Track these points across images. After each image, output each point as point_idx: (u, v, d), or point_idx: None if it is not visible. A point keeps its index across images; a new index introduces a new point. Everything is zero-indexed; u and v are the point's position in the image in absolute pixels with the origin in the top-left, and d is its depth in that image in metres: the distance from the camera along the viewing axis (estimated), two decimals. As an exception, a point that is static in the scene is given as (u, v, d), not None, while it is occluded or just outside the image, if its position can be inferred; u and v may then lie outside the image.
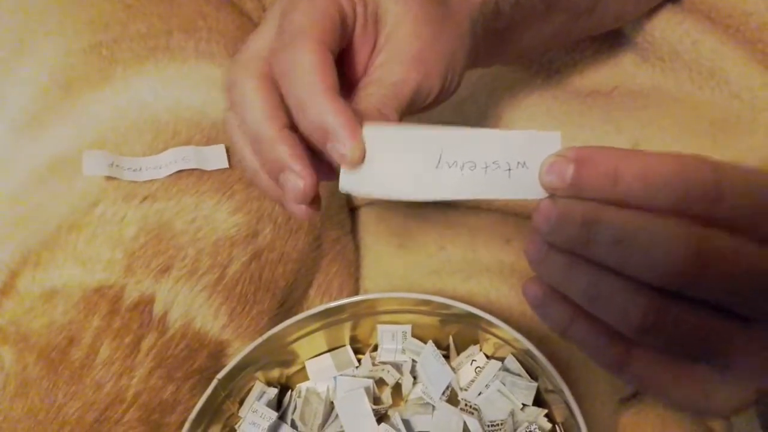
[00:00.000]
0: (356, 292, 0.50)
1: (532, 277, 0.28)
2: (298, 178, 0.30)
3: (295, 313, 0.42)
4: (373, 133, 0.29)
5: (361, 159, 0.29)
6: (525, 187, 0.28)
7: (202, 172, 0.45)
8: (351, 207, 0.55)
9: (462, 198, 0.29)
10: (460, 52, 0.35)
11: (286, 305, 0.45)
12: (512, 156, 0.28)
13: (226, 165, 0.46)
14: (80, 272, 0.40)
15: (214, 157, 0.46)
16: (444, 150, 0.29)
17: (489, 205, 0.50)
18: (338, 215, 0.51)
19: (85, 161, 0.43)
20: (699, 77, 0.48)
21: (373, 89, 0.32)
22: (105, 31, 0.51)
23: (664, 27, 0.49)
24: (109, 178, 0.44)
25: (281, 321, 0.41)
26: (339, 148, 0.29)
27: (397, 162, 0.29)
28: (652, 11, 0.50)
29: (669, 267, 0.24)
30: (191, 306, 0.41)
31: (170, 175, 0.44)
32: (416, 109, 0.34)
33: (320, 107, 0.29)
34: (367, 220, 0.54)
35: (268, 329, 0.41)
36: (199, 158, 0.45)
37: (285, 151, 0.31)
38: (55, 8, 0.51)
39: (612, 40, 0.53)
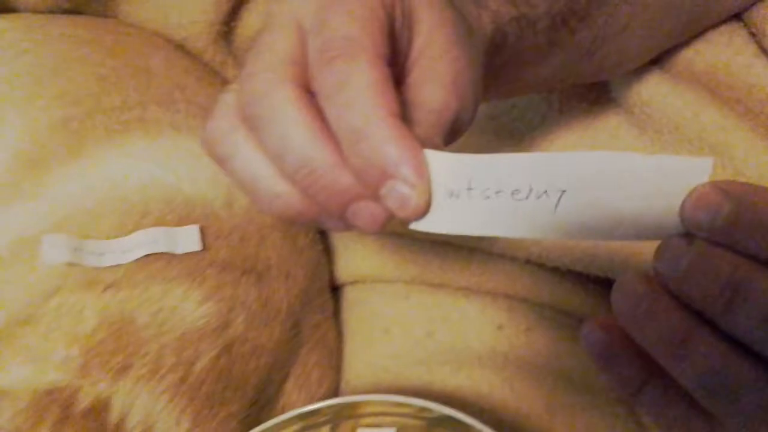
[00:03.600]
0: (337, 384, 0.47)
1: (593, 318, 0.23)
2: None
3: (269, 411, 0.39)
4: (439, 164, 0.25)
5: (428, 205, 0.25)
6: (649, 225, 0.22)
7: (171, 255, 0.42)
8: (334, 286, 0.52)
9: (561, 237, 0.24)
10: (480, 81, 0.30)
11: (259, 403, 0.41)
12: (640, 187, 0.22)
13: (198, 248, 0.43)
14: (31, 372, 0.37)
15: (186, 240, 0.43)
16: (537, 179, 0.24)
17: (479, 286, 0.47)
18: (319, 298, 0.48)
19: (44, 247, 0.41)
20: (702, 153, 0.46)
21: (418, 115, 0.27)
22: (76, 104, 0.48)
23: (663, 99, 0.47)
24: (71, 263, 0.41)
25: (252, 424, 0.38)
26: (401, 189, 0.24)
27: (472, 197, 0.25)
28: (649, 81, 0.47)
29: None
30: (152, 410, 0.37)
31: (137, 259, 0.42)
32: (450, 139, 0.29)
33: (381, 137, 0.24)
34: (351, 300, 0.51)
35: (237, 433, 0.37)
36: (169, 241, 0.43)
37: (348, 181, 0.25)
38: (24, 79, 0.49)
39: (608, 110, 0.51)
